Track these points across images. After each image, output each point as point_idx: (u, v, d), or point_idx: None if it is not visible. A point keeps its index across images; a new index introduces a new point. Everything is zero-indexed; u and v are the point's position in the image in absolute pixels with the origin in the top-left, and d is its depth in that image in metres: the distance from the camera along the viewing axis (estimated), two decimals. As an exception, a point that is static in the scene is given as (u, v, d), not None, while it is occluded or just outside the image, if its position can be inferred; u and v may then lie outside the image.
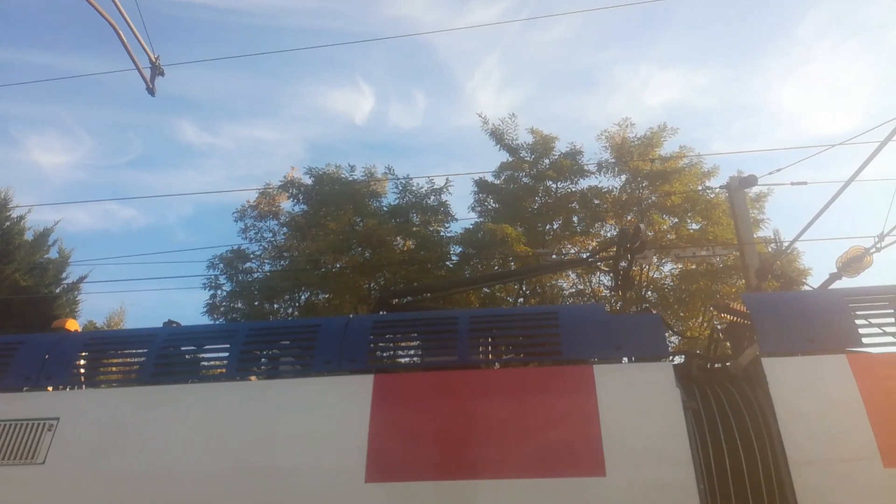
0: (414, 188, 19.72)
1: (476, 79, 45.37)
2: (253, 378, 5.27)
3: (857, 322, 4.66)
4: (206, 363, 5.75)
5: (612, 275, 8.66)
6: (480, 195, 19.99)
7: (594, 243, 18.40)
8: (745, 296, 5.37)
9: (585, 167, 19.18)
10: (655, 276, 18.61)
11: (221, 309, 18.89)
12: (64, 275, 21.41)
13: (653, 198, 18.60)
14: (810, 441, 4.08)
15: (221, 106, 47.50)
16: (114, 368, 5.92)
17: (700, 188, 18.19)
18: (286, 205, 21.16)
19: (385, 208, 19.99)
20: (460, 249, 18.69)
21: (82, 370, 5.50)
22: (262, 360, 5.68)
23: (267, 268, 19.94)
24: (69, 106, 43.52)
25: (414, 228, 19.01)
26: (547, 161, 19.57)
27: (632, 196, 18.87)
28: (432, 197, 19.69)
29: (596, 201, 18.99)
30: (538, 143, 19.76)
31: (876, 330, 4.68)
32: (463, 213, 20.42)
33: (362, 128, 45.40)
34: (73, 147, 44.65)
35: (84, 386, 5.47)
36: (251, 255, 20.09)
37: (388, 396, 4.65)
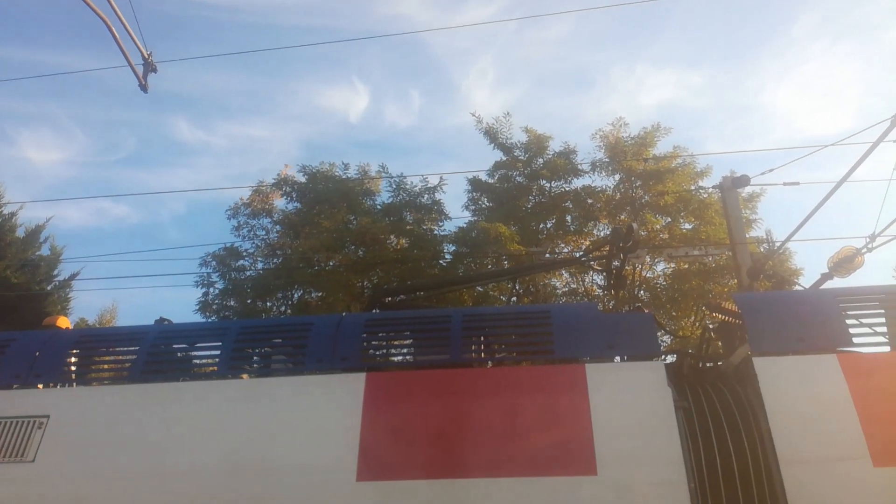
0: (408, 187, 19.70)
1: (471, 78, 45.39)
2: (245, 376, 5.25)
3: (848, 322, 4.68)
4: (197, 361, 5.73)
5: (604, 274, 8.67)
6: (474, 194, 20.00)
7: (587, 242, 18.43)
8: (736, 295, 5.39)
9: (579, 166, 19.22)
10: (648, 275, 18.64)
11: (214, 307, 18.84)
12: (55, 272, 21.31)
13: (646, 197, 18.63)
14: (801, 440, 4.10)
15: (216, 103, 47.40)
16: (105, 366, 5.90)
17: (693, 188, 18.24)
18: (279, 203, 21.13)
19: (379, 207, 19.97)
20: (454, 248, 18.70)
21: (73, 368, 5.48)
22: (254, 358, 5.67)
23: (260, 266, 19.90)
24: (62, 102, 43.36)
25: (407, 227, 18.99)
26: (541, 160, 19.59)
27: (625, 195, 18.90)
28: (426, 195, 19.68)
29: (589, 201, 19.02)
30: (532, 143, 19.78)
31: (866, 330, 4.71)
32: (457, 211, 20.45)
33: (357, 126, 45.36)
34: (65, 144, 44.47)
35: (75, 383, 5.45)
36: (244, 253, 20.05)
37: (381, 395, 4.64)
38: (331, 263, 18.19)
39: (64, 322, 6.28)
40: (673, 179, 18.30)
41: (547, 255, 16.97)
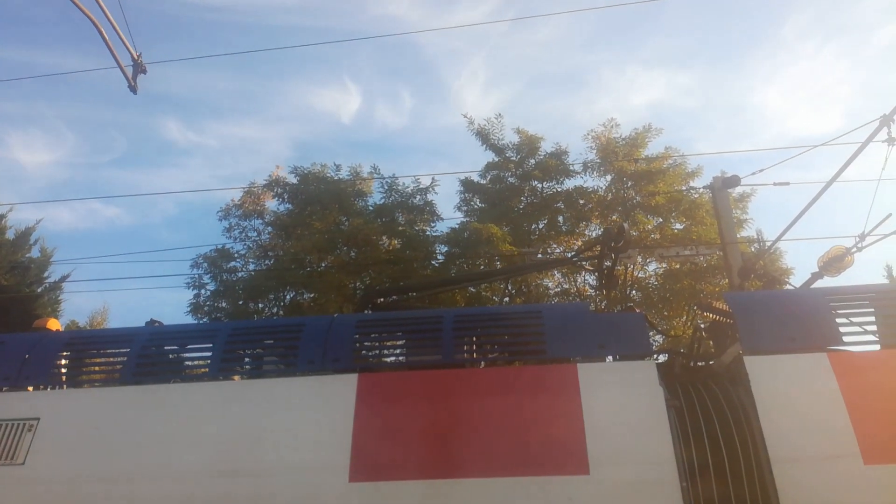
0: (400, 188, 19.70)
1: (463, 78, 45.43)
2: (236, 378, 5.23)
3: (838, 321, 4.70)
4: (188, 363, 5.71)
5: (596, 274, 8.68)
6: (466, 195, 20.04)
7: (579, 243, 18.47)
8: (727, 295, 5.41)
9: (571, 167, 19.25)
10: (640, 275, 18.71)
11: (205, 308, 18.77)
12: (46, 274, 21.19)
13: (637, 198, 18.69)
14: (792, 438, 4.12)
15: (206, 104, 47.30)
16: (95, 368, 5.87)
17: (684, 188, 18.30)
18: (271, 204, 21.07)
19: (371, 208, 19.94)
20: (446, 249, 18.70)
21: (63, 370, 5.45)
22: (246, 359, 5.64)
23: (251, 267, 19.84)
24: (52, 103, 43.13)
25: (399, 228, 18.98)
26: (532, 161, 19.63)
27: (617, 196, 18.95)
28: (418, 196, 19.68)
29: (581, 201, 19.08)
30: (524, 144, 19.81)
31: (856, 329, 4.73)
32: (449, 212, 20.44)
33: (349, 127, 45.33)
34: (55, 145, 44.25)
35: (65, 386, 5.42)
36: (235, 255, 19.99)
37: (373, 396, 4.63)
38: (323, 265, 18.16)
39: (54, 324, 6.24)
40: (664, 180, 18.38)
41: (539, 256, 17.01)
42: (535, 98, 43.85)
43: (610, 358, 4.90)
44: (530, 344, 5.11)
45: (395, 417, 4.54)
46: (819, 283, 8.38)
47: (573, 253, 17.06)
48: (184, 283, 18.86)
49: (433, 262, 18.18)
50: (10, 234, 20.78)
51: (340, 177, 20.27)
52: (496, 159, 20.00)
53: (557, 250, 18.83)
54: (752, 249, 15.88)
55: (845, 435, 4.09)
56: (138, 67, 8.14)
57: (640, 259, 17.35)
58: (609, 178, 19.30)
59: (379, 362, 5.68)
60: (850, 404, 4.19)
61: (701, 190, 16.75)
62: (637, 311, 5.46)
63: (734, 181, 11.35)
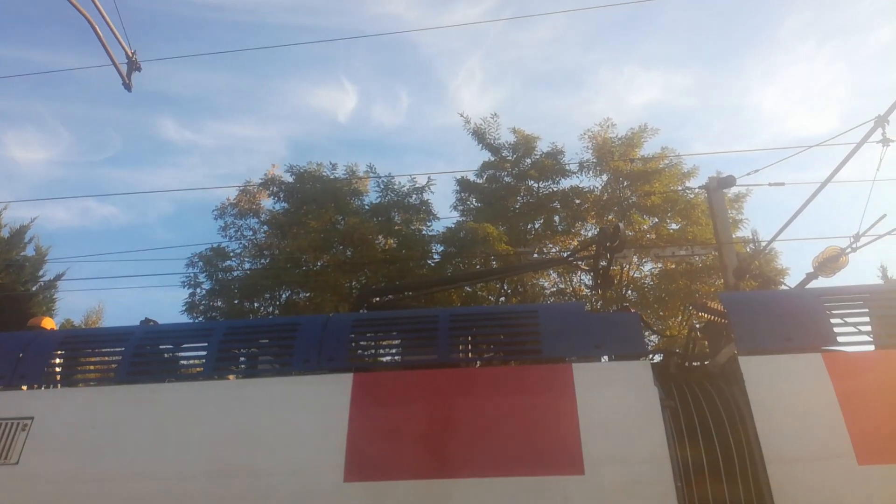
0: (396, 187, 19.68)
1: (460, 78, 45.43)
2: (231, 377, 5.22)
3: (833, 321, 4.72)
4: (183, 362, 5.69)
5: (592, 274, 8.69)
6: (462, 194, 20.02)
7: (575, 242, 18.48)
8: (722, 295, 5.41)
9: (567, 167, 19.26)
10: (635, 275, 18.72)
11: (201, 307, 18.72)
12: (41, 272, 21.12)
13: (633, 198, 18.70)
14: (786, 438, 4.13)
15: (203, 103, 47.19)
16: (90, 367, 5.85)
17: (680, 188, 18.33)
18: (267, 203, 21.04)
19: (367, 207, 19.92)
20: (442, 248, 18.69)
21: (57, 369, 5.43)
22: (241, 358, 5.63)
23: (247, 266, 19.80)
24: (47, 101, 42.99)
25: (396, 227, 18.97)
26: (529, 161, 19.63)
27: (612, 196, 18.97)
28: (414, 196, 19.67)
29: (577, 201, 19.08)
30: (520, 143, 19.81)
31: (851, 329, 4.74)
32: (445, 211, 20.46)
33: (345, 126, 45.30)
34: (50, 143, 44.09)
35: (59, 385, 5.40)
36: (231, 254, 19.93)
37: (368, 395, 4.63)
38: (318, 264, 18.13)
39: (49, 323, 6.22)
40: (660, 180, 18.40)
41: (535, 256, 17.02)
42: (532, 98, 43.90)
43: (605, 358, 4.90)
44: (526, 343, 5.11)
45: (390, 417, 4.53)
46: (814, 284, 8.40)
47: (569, 253, 17.08)
48: (179, 282, 18.82)
49: (429, 262, 18.17)
50: (4, 233, 20.71)
51: (336, 176, 20.24)
52: (492, 159, 19.99)
53: (553, 250, 18.83)
54: (748, 250, 15.93)
55: (839, 435, 4.10)
56: (133, 65, 8.11)
57: (635, 259, 17.39)
58: (605, 177, 19.32)
59: (374, 362, 5.67)
60: (844, 404, 4.20)
61: (696, 190, 16.77)
62: (632, 311, 5.47)
63: (729, 181, 11.37)
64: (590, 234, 18.47)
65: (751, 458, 4.17)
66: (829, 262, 8.49)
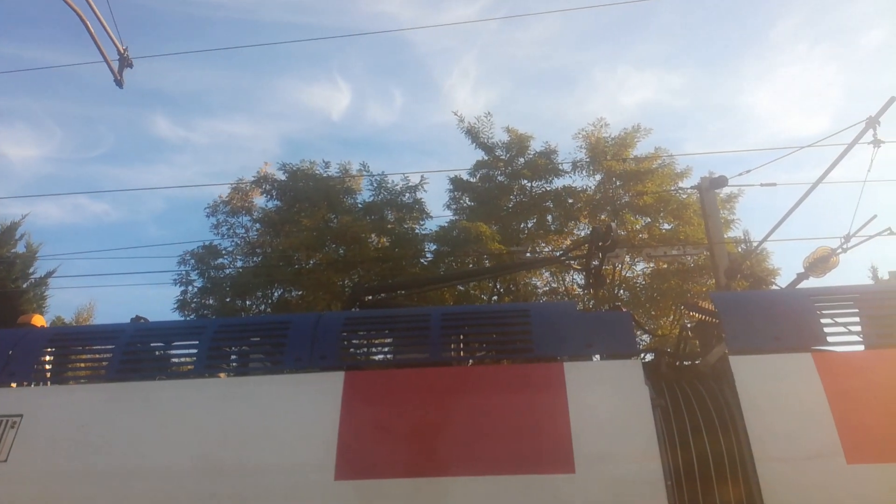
0: (389, 185, 19.68)
1: (454, 76, 45.43)
2: (222, 375, 5.21)
3: (823, 321, 4.73)
4: (174, 360, 5.67)
5: (584, 273, 8.70)
6: (456, 193, 20.03)
7: (568, 242, 18.51)
8: (714, 295, 5.43)
9: (560, 166, 19.29)
10: (628, 274, 18.77)
11: (192, 305, 18.68)
12: (31, 269, 21.06)
13: (626, 197, 18.75)
14: (776, 438, 4.14)
15: (196, 100, 47.00)
16: (80, 365, 5.82)
17: (672, 189, 18.38)
18: (259, 201, 21.00)
19: (360, 205, 19.91)
20: (435, 247, 18.68)
21: (47, 366, 5.40)
22: (232, 356, 5.62)
23: (239, 264, 19.75)
24: (39, 98, 42.76)
25: (388, 226, 18.96)
26: (522, 160, 19.65)
27: (605, 196, 19.00)
28: (407, 194, 19.67)
29: (570, 200, 19.11)
30: (513, 142, 19.82)
31: (841, 329, 4.76)
32: (438, 210, 20.42)
33: (339, 124, 45.22)
34: (43, 140, 43.85)
35: (49, 382, 5.37)
36: (223, 252, 19.89)
37: (359, 393, 4.62)
38: (311, 262, 18.10)
39: (39, 320, 6.18)
40: (653, 180, 18.44)
41: (528, 255, 17.04)
42: (526, 97, 43.93)
43: (597, 357, 4.91)
44: (517, 342, 5.11)
45: (381, 415, 4.52)
46: (804, 284, 8.44)
47: (561, 252, 17.10)
48: (171, 280, 18.78)
49: (422, 261, 18.17)
50: (-5, 230, 20.62)
51: (329, 174, 20.22)
52: (486, 158, 20.00)
53: (546, 249, 18.86)
54: (739, 250, 16.01)
55: (828, 434, 4.12)
56: (124, 61, 8.08)
57: (627, 258, 17.42)
58: (598, 177, 19.36)
59: (366, 360, 5.66)
60: (833, 404, 4.22)
61: (689, 190, 16.84)
62: (624, 310, 5.47)
63: (721, 182, 11.43)
64: (582, 234, 18.50)
65: (741, 457, 4.18)
66: (820, 263, 8.54)
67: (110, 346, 5.32)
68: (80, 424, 4.67)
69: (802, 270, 8.57)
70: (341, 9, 43.58)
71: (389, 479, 4.24)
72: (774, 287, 9.70)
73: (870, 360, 4.58)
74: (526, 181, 19.46)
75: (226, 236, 20.50)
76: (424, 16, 45.70)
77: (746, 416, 4.23)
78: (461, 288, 16.96)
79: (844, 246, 8.51)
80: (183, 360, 5.47)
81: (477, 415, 4.42)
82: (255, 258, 19.78)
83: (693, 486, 4.16)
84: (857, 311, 4.85)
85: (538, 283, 19.18)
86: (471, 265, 17.00)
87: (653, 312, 17.59)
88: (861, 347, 4.72)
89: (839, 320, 4.81)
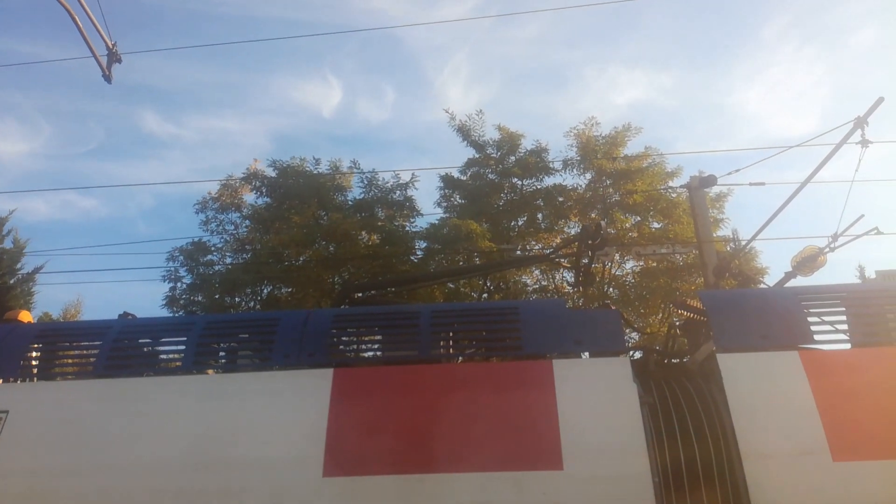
0: (379, 183, 19.65)
1: (445, 74, 45.42)
2: (210, 371, 5.19)
3: (810, 320, 4.77)
4: (162, 356, 5.65)
5: (574, 271, 8.73)
6: (446, 191, 20.00)
7: (558, 240, 18.54)
8: (702, 293, 5.45)
9: (551, 165, 19.31)
10: (617, 273, 18.84)
11: (181, 302, 18.59)
12: (18, 265, 20.91)
13: (616, 196, 18.80)
14: (763, 435, 4.16)
15: (186, 96, 46.81)
16: (67, 361, 5.78)
17: (662, 188, 18.44)
18: (249, 197, 20.90)
19: (350, 202, 19.86)
20: (425, 244, 18.68)
21: (34, 362, 5.37)
22: (220, 353, 5.60)
23: (228, 261, 19.67)
24: (27, 93, 42.43)
25: (379, 223, 18.93)
26: (513, 158, 19.65)
27: (596, 194, 19.05)
28: (398, 192, 19.64)
29: (560, 199, 19.14)
30: (505, 140, 19.82)
31: (828, 327, 4.80)
32: (429, 208, 20.45)
33: (330, 121, 45.15)
34: (31, 135, 43.58)
35: (35, 378, 5.34)
36: (212, 248, 19.79)
37: (348, 390, 4.61)
38: (301, 259, 18.05)
39: (25, 316, 6.13)
40: (643, 179, 18.50)
41: (518, 253, 17.07)
42: (518, 95, 43.96)
43: (585, 354, 4.92)
44: (507, 340, 5.12)
45: (370, 412, 4.52)
46: (792, 283, 8.49)
47: (551, 250, 17.13)
48: (159, 277, 18.69)
49: (412, 258, 18.16)
50: (-19, 225, 20.46)
51: (319, 171, 20.16)
52: (477, 156, 20.00)
53: (536, 247, 18.88)
54: (728, 248, 16.06)
55: (815, 432, 4.15)
56: (113, 56, 8.03)
57: (617, 257, 17.48)
58: (588, 176, 19.40)
59: (355, 357, 5.66)
60: (819, 402, 4.25)
61: (679, 189, 16.90)
62: (613, 308, 5.49)
63: (711, 181, 11.48)
64: (572, 232, 18.54)
65: (728, 454, 4.20)
66: (808, 262, 8.60)
67: (98, 343, 5.29)
68: (67, 420, 4.65)
69: (790, 269, 8.63)
70: (333, 5, 43.55)
71: (378, 476, 4.24)
72: (762, 286, 9.76)
73: (856, 359, 4.61)
74: (517, 179, 19.47)
75: (215, 233, 20.42)
76: (416, 13, 45.68)
77: (734, 413, 4.25)
78: (451, 285, 16.97)
79: (832, 245, 8.58)
80: (171, 356, 5.45)
81: (466, 412, 4.43)
82: (244, 255, 19.70)
83: (680, 482, 4.18)
84: (843, 309, 4.89)
85: (528, 281, 19.23)
86: (461, 263, 17.01)
87: (642, 310, 17.65)
88: (848, 346, 4.76)
89: (826, 319, 4.84)
